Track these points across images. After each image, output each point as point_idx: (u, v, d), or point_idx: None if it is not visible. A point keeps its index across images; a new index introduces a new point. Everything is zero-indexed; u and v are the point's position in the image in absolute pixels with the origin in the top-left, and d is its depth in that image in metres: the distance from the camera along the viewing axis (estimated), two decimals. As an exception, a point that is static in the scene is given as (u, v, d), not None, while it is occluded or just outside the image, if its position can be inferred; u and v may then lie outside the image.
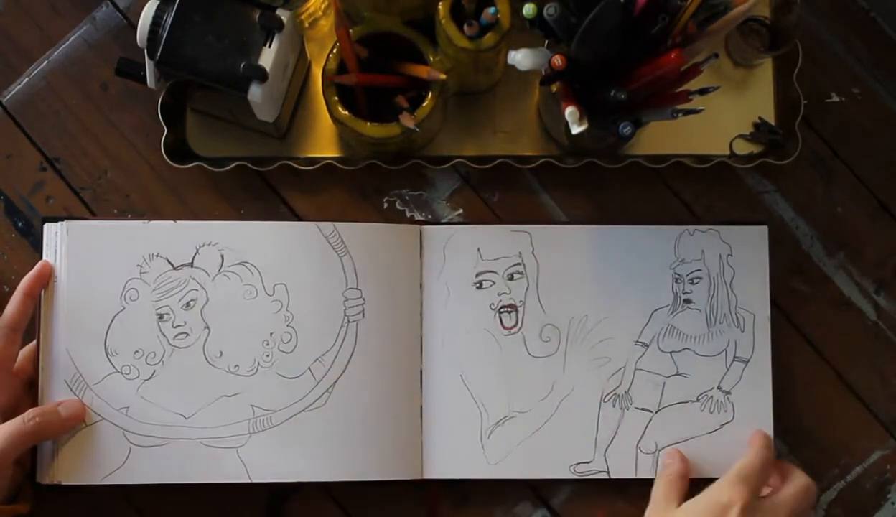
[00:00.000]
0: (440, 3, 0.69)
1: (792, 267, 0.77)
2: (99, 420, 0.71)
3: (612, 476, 0.73)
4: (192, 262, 0.73)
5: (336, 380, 0.72)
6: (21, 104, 0.78)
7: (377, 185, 0.77)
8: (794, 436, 0.73)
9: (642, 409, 0.74)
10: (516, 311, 0.74)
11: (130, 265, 0.72)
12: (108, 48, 0.79)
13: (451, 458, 0.73)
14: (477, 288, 0.75)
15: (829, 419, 0.76)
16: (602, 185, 0.78)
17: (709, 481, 0.71)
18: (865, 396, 0.77)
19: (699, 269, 0.75)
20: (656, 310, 0.74)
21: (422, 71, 0.71)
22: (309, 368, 0.72)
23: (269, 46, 0.68)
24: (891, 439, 0.76)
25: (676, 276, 0.75)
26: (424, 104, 0.71)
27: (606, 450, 0.73)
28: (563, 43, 0.65)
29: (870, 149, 0.79)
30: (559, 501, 0.75)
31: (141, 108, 0.78)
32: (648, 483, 0.73)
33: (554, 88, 0.68)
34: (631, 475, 0.73)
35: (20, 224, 0.77)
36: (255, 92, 0.67)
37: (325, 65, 0.72)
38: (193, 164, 0.75)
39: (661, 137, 0.77)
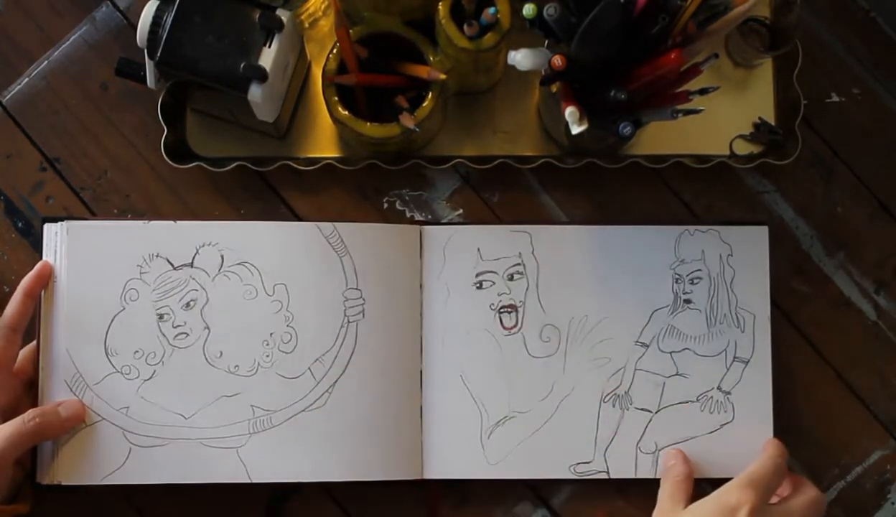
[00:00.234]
0: (440, 3, 0.69)
1: (792, 267, 0.77)
2: (99, 420, 0.71)
3: (612, 476, 0.73)
4: (192, 262, 0.73)
5: (336, 381, 0.72)
6: (21, 104, 0.78)
7: (377, 185, 0.77)
8: (794, 436, 0.73)
9: (642, 409, 0.74)
10: (516, 311, 0.74)
11: (130, 265, 0.72)
12: (108, 48, 0.79)
13: (451, 458, 0.73)
14: (477, 288, 0.75)
15: (829, 419, 0.76)
16: (602, 185, 0.78)
17: (709, 481, 0.71)
18: (865, 396, 0.77)
19: (699, 270, 0.75)
20: (656, 310, 0.74)
21: (422, 71, 0.71)
22: (309, 368, 0.72)
23: (269, 46, 0.68)
24: (891, 439, 0.76)
25: (676, 277, 0.75)
26: (424, 104, 0.71)
27: (606, 450, 0.73)
28: (563, 43, 0.65)
29: (870, 149, 0.79)
30: (559, 501, 0.75)
31: (141, 108, 0.78)
32: (648, 483, 0.73)
33: (554, 88, 0.68)
34: (631, 475, 0.73)
35: (20, 224, 0.77)
36: (255, 92, 0.67)
37: (325, 65, 0.72)
38: (193, 164, 0.75)
39: (661, 137, 0.77)
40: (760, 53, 0.77)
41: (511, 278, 0.75)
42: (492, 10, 0.68)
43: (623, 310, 0.74)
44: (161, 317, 0.72)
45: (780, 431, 0.73)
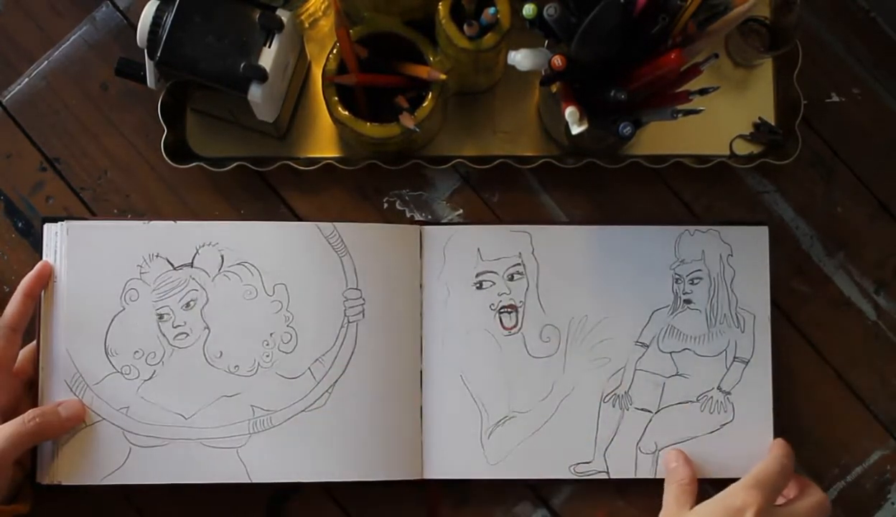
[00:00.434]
0: (440, 4, 0.69)
1: (792, 267, 0.77)
2: (99, 420, 0.71)
3: (612, 476, 0.73)
4: (192, 263, 0.73)
5: (336, 381, 0.72)
6: (21, 104, 0.78)
7: (377, 185, 0.77)
8: (794, 436, 0.73)
9: (642, 410, 0.74)
10: (516, 312, 0.74)
11: (130, 265, 0.72)
12: (108, 48, 0.79)
13: (451, 458, 0.73)
14: (477, 288, 0.75)
15: (829, 419, 0.76)
16: (602, 185, 0.78)
17: (709, 481, 0.71)
18: (865, 396, 0.77)
19: (699, 270, 0.75)
20: (656, 310, 0.74)
21: (422, 71, 0.71)
22: (309, 368, 0.72)
23: (269, 46, 0.68)
24: (891, 439, 0.76)
25: (677, 277, 0.75)
26: (424, 104, 0.71)
27: (606, 450, 0.73)
28: (563, 43, 0.65)
29: (870, 149, 0.79)
30: (559, 501, 0.75)
31: (141, 108, 0.78)
32: (648, 483, 0.73)
33: (554, 88, 0.68)
34: (631, 475, 0.73)
35: (20, 224, 0.77)
36: (255, 92, 0.67)
37: (325, 65, 0.72)
38: (193, 164, 0.75)
39: (661, 137, 0.77)
40: (760, 53, 0.77)
41: (511, 278, 0.75)
42: (492, 10, 0.68)
43: (623, 310, 0.74)
44: (161, 317, 0.72)
45: (780, 431, 0.73)
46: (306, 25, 0.78)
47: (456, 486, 0.75)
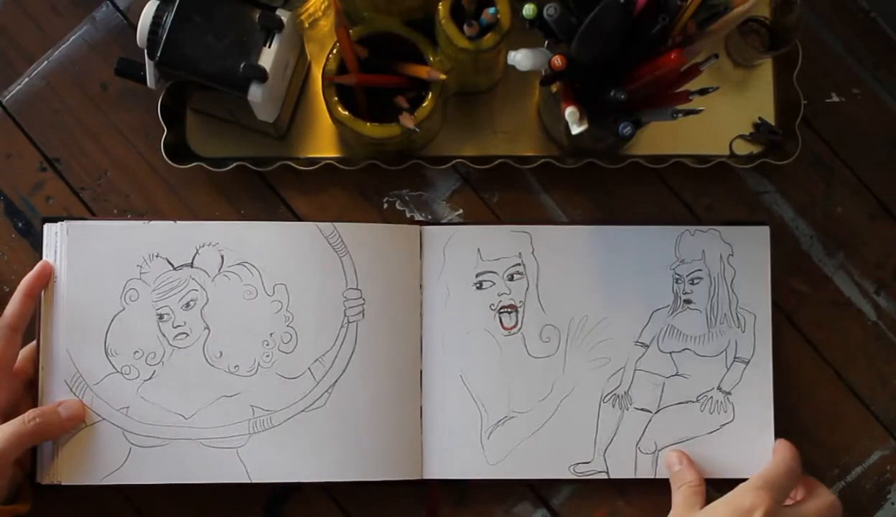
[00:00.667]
0: (440, 4, 0.69)
1: (792, 267, 0.77)
2: (99, 420, 0.71)
3: (612, 476, 0.73)
4: (192, 263, 0.73)
5: (336, 381, 0.72)
6: (21, 104, 0.78)
7: (377, 185, 0.77)
8: (794, 436, 0.73)
9: (642, 410, 0.74)
10: (516, 312, 0.74)
11: (130, 265, 0.72)
12: (108, 48, 0.79)
13: (451, 458, 0.73)
14: (477, 288, 0.75)
15: (829, 419, 0.76)
16: (602, 185, 0.78)
17: (710, 482, 0.71)
18: (865, 396, 0.77)
19: (700, 270, 0.75)
20: (656, 310, 0.74)
21: (422, 71, 0.71)
22: (309, 368, 0.72)
23: (269, 46, 0.68)
24: (891, 439, 0.76)
25: (677, 277, 0.75)
26: (424, 104, 0.71)
27: (606, 450, 0.73)
28: (563, 43, 0.65)
29: (870, 149, 0.79)
30: (559, 501, 0.75)
31: (141, 108, 0.78)
32: (648, 483, 0.73)
33: (554, 88, 0.68)
34: (630, 475, 0.73)
35: (20, 224, 0.77)
36: (255, 92, 0.67)
37: (325, 65, 0.72)
38: (193, 164, 0.75)
39: (661, 137, 0.77)
40: (760, 53, 0.77)
41: (511, 278, 0.75)
42: (492, 10, 0.68)
43: (623, 310, 0.74)
44: (161, 317, 0.72)
45: (780, 431, 0.73)
46: (306, 25, 0.78)
47: (456, 486, 0.75)
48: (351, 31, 0.71)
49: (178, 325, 0.72)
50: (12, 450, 0.66)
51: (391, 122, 0.71)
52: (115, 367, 0.72)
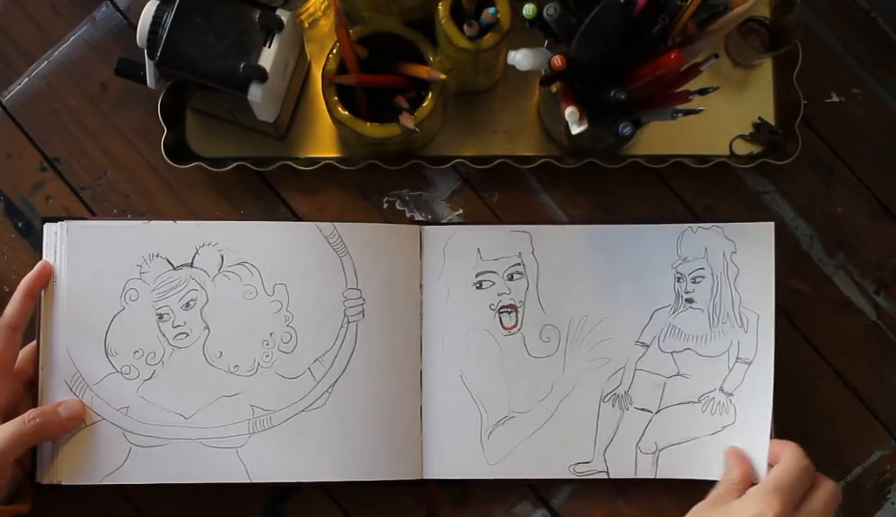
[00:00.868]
0: (440, 4, 0.69)
1: (792, 267, 0.77)
2: (99, 420, 0.71)
3: (612, 476, 0.73)
4: (192, 262, 0.73)
5: (336, 380, 0.72)
6: (21, 104, 0.78)
7: (377, 185, 0.77)
8: (794, 437, 0.73)
9: (642, 410, 0.74)
10: (516, 311, 0.74)
11: (130, 265, 0.72)
12: (108, 48, 0.79)
13: (451, 458, 0.73)
14: (477, 288, 0.74)
15: (829, 419, 0.76)
16: (602, 185, 0.78)
17: (711, 484, 0.71)
18: (865, 396, 0.77)
19: (702, 268, 0.74)
20: (657, 310, 0.74)
21: (422, 71, 0.71)
22: (309, 368, 0.72)
23: (269, 46, 0.68)
24: (891, 439, 0.76)
25: (678, 276, 0.75)
26: (424, 104, 0.71)
27: (606, 450, 0.73)
28: (563, 43, 0.65)
29: (870, 149, 0.79)
30: (559, 501, 0.75)
31: (141, 108, 0.78)
32: (648, 483, 0.73)
33: (554, 88, 0.68)
34: (630, 475, 0.73)
35: (20, 224, 0.77)
36: (255, 92, 0.67)
37: (325, 65, 0.72)
38: (193, 164, 0.75)
39: (661, 137, 0.77)
40: (760, 53, 0.77)
41: (511, 278, 0.75)
42: (492, 10, 0.68)
43: (623, 309, 0.74)
44: (161, 317, 0.72)
45: (780, 431, 0.73)
46: (306, 25, 0.78)
47: (455, 486, 0.75)
48: (351, 31, 0.71)
49: (178, 325, 0.72)
50: (12, 450, 0.66)
51: (391, 122, 0.71)
52: (114, 367, 0.72)
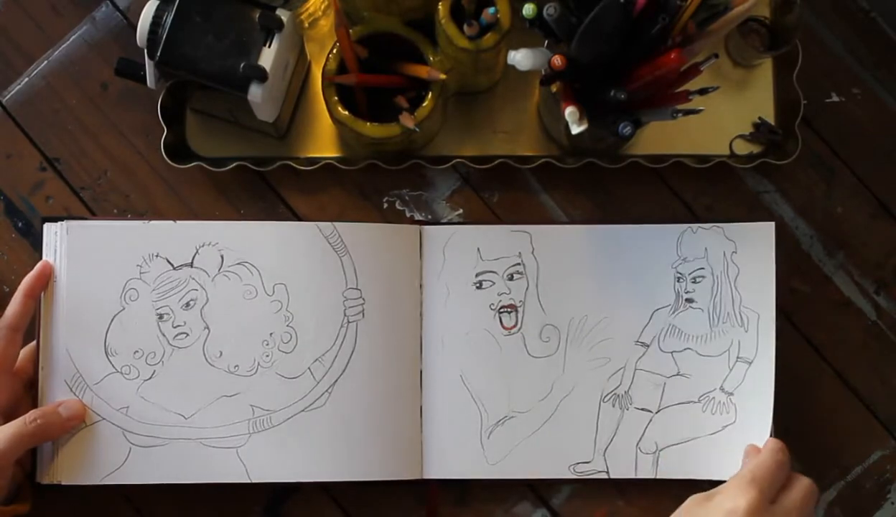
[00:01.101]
0: (440, 4, 0.69)
1: (792, 267, 0.77)
2: (99, 420, 0.71)
3: (612, 476, 0.73)
4: (191, 262, 0.73)
5: (336, 380, 0.72)
6: (21, 104, 0.78)
7: (377, 185, 0.77)
8: (794, 436, 0.73)
9: (642, 409, 0.74)
10: (516, 311, 0.74)
11: (130, 265, 0.72)
12: (108, 48, 0.79)
13: (451, 458, 0.73)
14: (477, 288, 0.75)
15: (829, 419, 0.76)
16: (602, 185, 0.78)
17: (711, 484, 0.71)
18: (865, 396, 0.77)
19: (702, 268, 0.74)
20: (657, 309, 0.74)
21: (422, 71, 0.71)
22: (309, 368, 0.72)
23: (269, 46, 0.68)
24: (891, 439, 0.76)
25: (678, 276, 0.75)
26: (424, 104, 0.71)
27: (606, 450, 0.73)
28: (563, 43, 0.65)
29: (870, 149, 0.79)
30: (559, 501, 0.75)
31: (141, 108, 0.78)
32: (648, 483, 0.73)
33: (554, 88, 0.68)
34: (631, 475, 0.73)
35: (20, 224, 0.77)
36: (255, 92, 0.67)
37: (325, 65, 0.72)
38: (193, 164, 0.75)
39: (661, 137, 0.77)
40: (760, 53, 0.77)
41: (511, 278, 0.75)
42: (492, 10, 0.68)
43: (623, 309, 0.74)
44: (161, 317, 0.72)
45: (780, 431, 0.73)
46: (306, 25, 0.78)
47: (455, 486, 0.75)
48: (351, 31, 0.71)
49: (178, 325, 0.72)
50: (13, 451, 0.66)
51: (391, 122, 0.71)
52: (114, 367, 0.72)
